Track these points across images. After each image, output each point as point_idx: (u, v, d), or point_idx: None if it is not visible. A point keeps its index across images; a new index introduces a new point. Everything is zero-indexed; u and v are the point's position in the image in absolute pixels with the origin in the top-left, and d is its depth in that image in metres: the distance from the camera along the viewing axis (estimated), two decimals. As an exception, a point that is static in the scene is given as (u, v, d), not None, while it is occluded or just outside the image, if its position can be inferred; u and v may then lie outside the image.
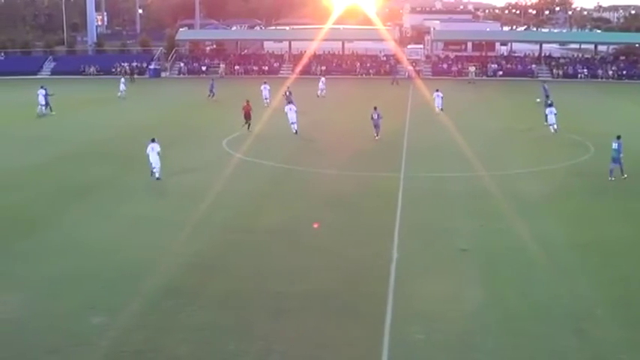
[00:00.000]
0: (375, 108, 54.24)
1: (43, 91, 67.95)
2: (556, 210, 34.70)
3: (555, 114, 55.84)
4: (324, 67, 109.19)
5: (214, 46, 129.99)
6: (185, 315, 22.39)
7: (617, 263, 27.32)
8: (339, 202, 35.66)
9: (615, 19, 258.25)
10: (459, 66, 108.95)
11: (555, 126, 55.44)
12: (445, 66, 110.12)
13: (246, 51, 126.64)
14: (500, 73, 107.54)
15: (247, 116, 56.77)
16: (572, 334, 21.18)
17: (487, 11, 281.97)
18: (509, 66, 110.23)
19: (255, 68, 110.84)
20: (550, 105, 57.70)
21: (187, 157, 47.15)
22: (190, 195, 37.10)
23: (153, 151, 40.71)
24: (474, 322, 21.90)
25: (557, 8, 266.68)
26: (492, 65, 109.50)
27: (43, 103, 67.34)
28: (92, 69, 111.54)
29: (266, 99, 70.38)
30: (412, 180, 40.39)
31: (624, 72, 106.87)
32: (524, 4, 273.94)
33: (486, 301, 23.59)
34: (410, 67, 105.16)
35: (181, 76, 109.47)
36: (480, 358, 19.96)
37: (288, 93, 66.41)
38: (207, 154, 47.48)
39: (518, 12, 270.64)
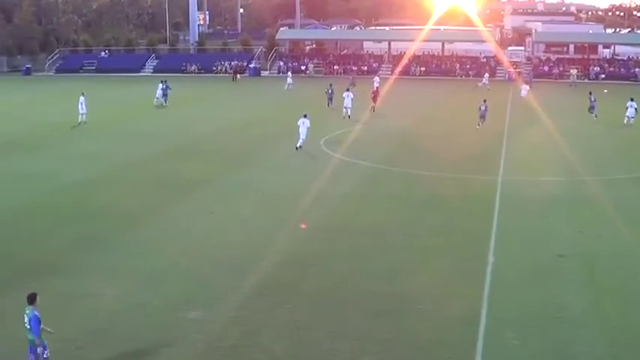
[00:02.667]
0: (485, 101, 59.84)
1: (161, 85, 73.84)
2: (658, 217, 33.99)
3: (636, 108, 59.25)
4: (423, 68, 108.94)
5: (314, 45, 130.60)
6: (280, 312, 22.57)
7: None
8: (435, 204, 35.55)
9: None
10: (561, 68, 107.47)
11: (626, 120, 59.49)
12: (546, 68, 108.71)
13: (345, 51, 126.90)
14: (603, 76, 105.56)
15: (374, 100, 66.20)
16: (674, 346, 20.76)
17: (590, 13, 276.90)
18: (611, 69, 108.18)
19: (355, 68, 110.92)
20: (632, 99, 60.64)
21: (285, 155, 47.51)
22: (288, 193, 37.38)
23: (303, 125, 48.23)
24: (572, 330, 21.56)
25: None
26: (595, 68, 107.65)
27: (161, 95, 73.37)
28: (193, 67, 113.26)
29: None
30: (510, 183, 39.99)
31: None
32: (628, 5, 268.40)
33: (584, 309, 23.20)
34: (511, 69, 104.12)
35: (281, 74, 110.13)
36: (577, 366, 19.73)
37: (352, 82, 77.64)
38: (305, 153, 47.66)
39: (622, 14, 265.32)
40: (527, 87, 78.08)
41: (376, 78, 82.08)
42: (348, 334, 21.08)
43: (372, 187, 39.45)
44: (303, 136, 48.19)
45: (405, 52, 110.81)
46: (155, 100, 73.27)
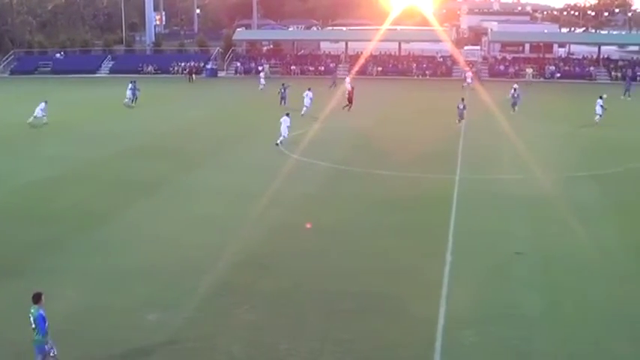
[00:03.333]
0: (463, 99, 61.98)
1: (130, 85, 74.42)
2: (614, 214, 34.31)
3: (601, 105, 59.73)
4: (380, 68, 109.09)
5: (271, 46, 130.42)
6: (239, 313, 22.57)
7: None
8: (393, 204, 35.61)
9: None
10: (516, 68, 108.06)
11: (597, 117, 59.39)
12: (502, 67, 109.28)
13: (302, 51, 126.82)
14: (558, 75, 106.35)
15: (350, 100, 67.08)
16: (629, 341, 20.97)
17: (545, 12, 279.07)
18: (566, 68, 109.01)
19: (312, 68, 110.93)
20: (600, 97, 60.91)
21: (243, 156, 47.52)
22: (245, 194, 37.30)
23: (283, 124, 50.05)
24: (528, 328, 21.74)
25: (617, 10, 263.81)
26: (550, 67, 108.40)
27: (131, 95, 73.50)
28: (150, 68, 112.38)
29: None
30: (467, 182, 40.22)
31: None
32: (582, 5, 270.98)
33: (541, 306, 23.41)
34: (466, 68, 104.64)
35: (238, 75, 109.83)
36: (535, 363, 19.90)
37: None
38: (261, 153, 47.73)
39: (576, 13, 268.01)
40: (471, 74, 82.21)
41: (347, 79, 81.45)
42: (307, 335, 21.11)
43: (330, 187, 39.47)
44: (284, 133, 49.97)
45: (362, 52, 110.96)
46: (125, 100, 73.08)
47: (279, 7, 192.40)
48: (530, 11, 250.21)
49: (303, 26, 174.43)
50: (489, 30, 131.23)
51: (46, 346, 18.08)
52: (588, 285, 25.40)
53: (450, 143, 51.52)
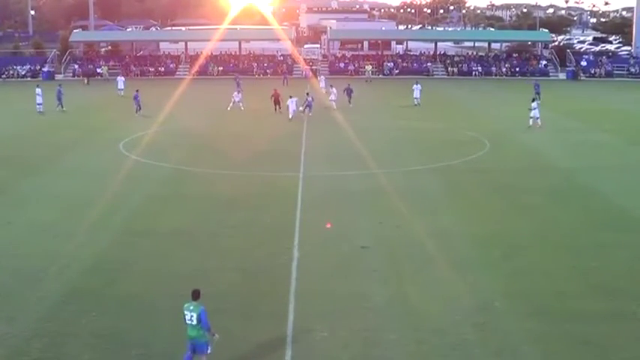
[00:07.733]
0: (308, 93, 65.45)
1: (39, 90, 69.76)
2: (454, 205, 35.30)
3: (537, 106, 58.60)
4: (220, 68, 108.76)
5: (109, 47, 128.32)
6: (87, 320, 22.06)
7: (515, 257, 27.86)
8: (238, 203, 35.59)
9: (508, 18, 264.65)
10: (356, 65, 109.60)
11: (532, 121, 57.70)
12: (342, 65, 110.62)
13: (142, 52, 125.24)
14: (397, 71, 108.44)
15: (276, 102, 66.22)
16: (473, 327, 21.55)
17: (383, 10, 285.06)
18: (405, 64, 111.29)
19: (152, 69, 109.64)
20: (534, 100, 60.18)
21: (84, 159, 46.50)
22: (88, 198, 36.47)
23: (292, 103, 60.44)
24: (377, 319, 22.12)
25: (452, 7, 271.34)
26: (388, 64, 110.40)
27: (41, 102, 68.99)
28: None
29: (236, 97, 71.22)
30: (311, 179, 40.53)
31: (517, 69, 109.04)
32: (419, 3, 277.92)
33: (388, 298, 23.83)
34: (306, 67, 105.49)
35: (76, 78, 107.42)
36: (384, 353, 20.15)
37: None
38: (104, 157, 46.87)
39: (413, 11, 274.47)
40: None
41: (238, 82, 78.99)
42: (157, 339, 20.89)
43: (174, 188, 39.10)
44: (291, 106, 60.61)
45: (202, 52, 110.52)
46: (37, 107, 69.25)
47: (116, 8, 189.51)
48: (368, 9, 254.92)
49: (141, 26, 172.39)
50: (328, 28, 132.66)
51: (209, 343, 18.57)
52: (433, 275, 25.99)
53: (293, 141, 51.76)
